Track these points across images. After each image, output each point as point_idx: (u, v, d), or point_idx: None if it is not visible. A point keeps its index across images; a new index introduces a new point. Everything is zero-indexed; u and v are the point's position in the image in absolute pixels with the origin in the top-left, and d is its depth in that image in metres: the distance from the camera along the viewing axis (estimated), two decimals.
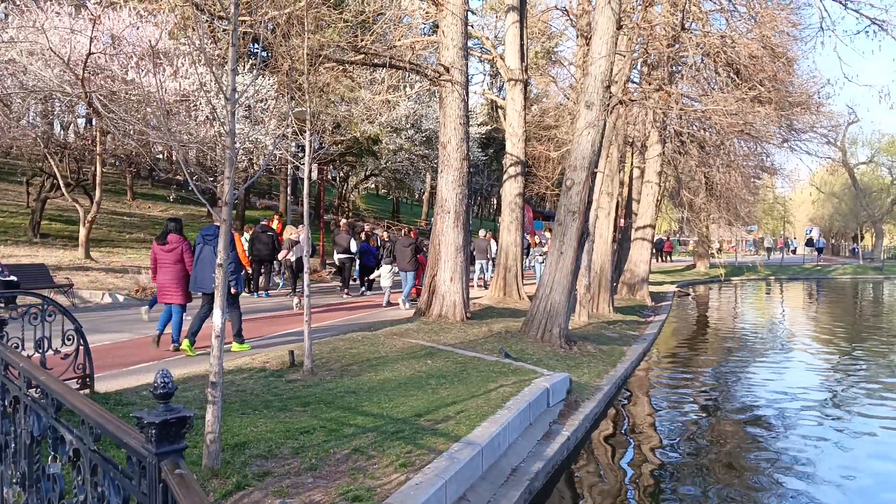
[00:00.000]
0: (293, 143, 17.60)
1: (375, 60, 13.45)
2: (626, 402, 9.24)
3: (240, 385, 6.87)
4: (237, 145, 17.14)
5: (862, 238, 51.88)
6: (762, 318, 20.66)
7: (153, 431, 1.76)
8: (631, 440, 7.55)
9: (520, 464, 5.63)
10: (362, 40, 13.07)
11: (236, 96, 4.63)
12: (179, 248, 8.65)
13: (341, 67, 15.91)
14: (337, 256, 16.87)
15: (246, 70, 17.19)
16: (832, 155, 42.37)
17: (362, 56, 13.00)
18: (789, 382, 10.70)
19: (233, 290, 8.54)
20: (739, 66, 15.51)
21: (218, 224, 9.00)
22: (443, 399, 6.56)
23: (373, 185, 47.15)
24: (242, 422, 5.53)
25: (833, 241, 61.85)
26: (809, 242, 49.96)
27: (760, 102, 16.00)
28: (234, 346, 8.87)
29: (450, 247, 11.91)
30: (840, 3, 10.76)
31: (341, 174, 33.13)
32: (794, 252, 53.61)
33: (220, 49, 15.88)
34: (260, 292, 15.63)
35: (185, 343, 8.52)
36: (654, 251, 45.94)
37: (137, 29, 14.46)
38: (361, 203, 39.70)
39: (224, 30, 14.01)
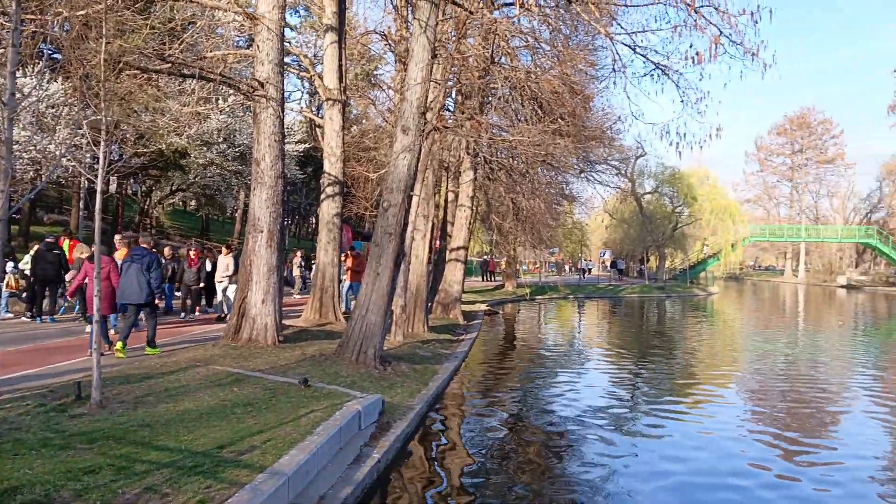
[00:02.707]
0: (88, 154, 16.14)
1: (185, 71, 12.77)
2: (438, 419, 9.46)
3: (14, 422, 6.09)
4: (19, 155, 15.34)
5: (648, 260, 57.73)
6: (564, 333, 22.23)
7: None
8: (442, 457, 7.74)
9: (328, 490, 5.54)
10: (170, 49, 12.36)
11: (15, 101, 4.16)
12: (108, 268, 10.25)
13: (146, 76, 14.93)
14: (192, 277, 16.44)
15: (35, 72, 15.53)
16: (622, 185, 47.00)
17: (169, 65, 12.27)
18: (588, 392, 11.66)
19: (157, 302, 10.54)
20: (543, 100, 16.71)
21: (144, 245, 10.55)
22: (249, 428, 6.30)
23: (180, 201, 44.48)
24: (15, 464, 4.90)
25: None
26: (613, 264, 56.89)
27: (561, 135, 17.36)
28: (148, 350, 10.45)
29: (262, 267, 11.53)
30: (630, 47, 11.92)
31: (143, 188, 30.89)
32: (588, 273, 58.40)
33: (3, 48, 14.21)
34: (44, 317, 14.03)
35: (118, 345, 10.01)
36: (480, 270, 48.30)
37: None
38: (166, 220, 37.19)
39: (6, 28, 12.56)
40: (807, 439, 8.89)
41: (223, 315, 15.64)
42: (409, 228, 13.95)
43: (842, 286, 65.32)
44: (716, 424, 9.57)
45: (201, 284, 16.25)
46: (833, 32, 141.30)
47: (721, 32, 10.44)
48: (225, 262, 16.05)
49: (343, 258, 18.64)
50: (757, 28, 10.47)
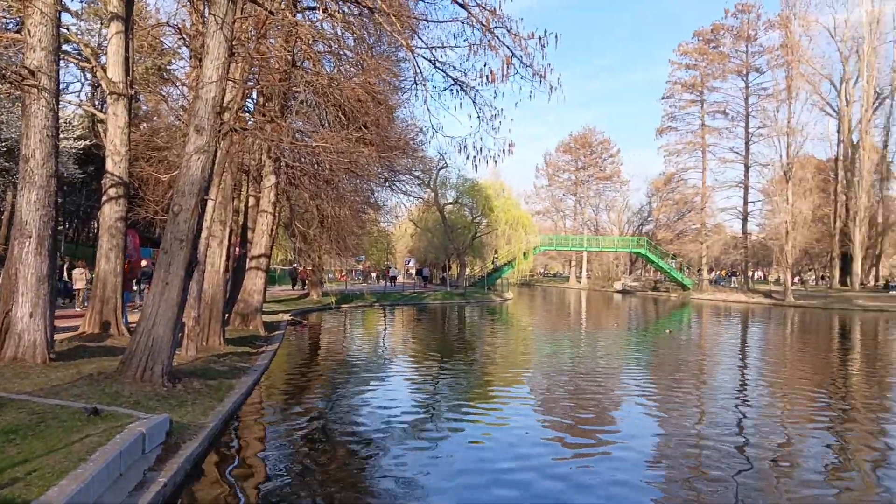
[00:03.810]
0: None
1: None
2: (233, 437, 8.99)
3: None
4: None
5: (449, 268, 59.81)
6: (368, 341, 22.29)
7: None
8: (237, 476, 7.33)
9: None
10: None
11: None
12: None
13: None
14: None
15: None
16: (426, 195, 48.32)
17: None
18: (391, 398, 11.77)
19: None
20: (347, 107, 16.65)
21: None
22: (10, 459, 5.54)
23: None
24: None
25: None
26: (419, 272, 58.74)
27: (365, 143, 17.41)
28: None
29: (31, 277, 10.25)
30: (430, 62, 12.26)
31: None
32: (394, 281, 59.25)
33: None
34: None
35: None
36: (291, 279, 46.70)
37: None
38: None
39: None
40: (590, 427, 9.70)
41: None
42: (204, 234, 13.19)
43: (618, 291, 72.57)
44: (511, 421, 10.13)
45: None
46: (617, 58, 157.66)
47: (513, 54, 11.12)
48: None
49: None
50: (544, 52, 11.26)
